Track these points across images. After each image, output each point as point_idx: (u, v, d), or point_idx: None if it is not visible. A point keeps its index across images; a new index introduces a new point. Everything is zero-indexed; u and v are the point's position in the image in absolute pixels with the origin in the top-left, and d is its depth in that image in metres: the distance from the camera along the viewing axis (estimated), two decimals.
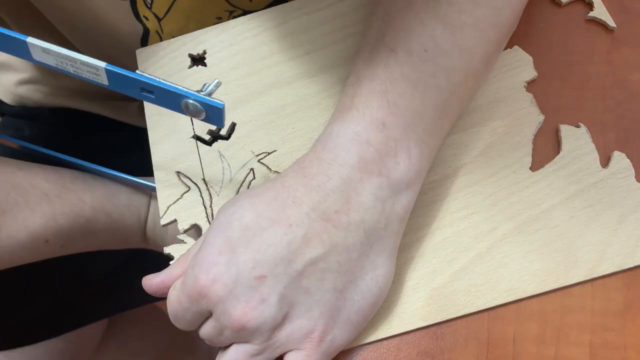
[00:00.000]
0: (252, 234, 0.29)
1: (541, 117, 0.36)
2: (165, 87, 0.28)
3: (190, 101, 0.28)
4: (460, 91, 0.32)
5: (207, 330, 0.31)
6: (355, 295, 0.30)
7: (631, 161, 0.34)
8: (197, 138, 0.37)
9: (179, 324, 0.31)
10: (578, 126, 0.35)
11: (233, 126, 0.38)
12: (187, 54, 0.40)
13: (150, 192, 0.47)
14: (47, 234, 0.41)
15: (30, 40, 0.28)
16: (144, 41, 0.44)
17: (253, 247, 0.29)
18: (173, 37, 0.41)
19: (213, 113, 0.29)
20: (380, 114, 0.30)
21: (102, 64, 0.28)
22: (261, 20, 0.40)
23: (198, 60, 0.40)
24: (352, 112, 0.31)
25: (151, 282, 0.33)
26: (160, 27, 0.43)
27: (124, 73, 0.28)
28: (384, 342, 0.32)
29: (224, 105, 0.28)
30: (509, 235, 0.33)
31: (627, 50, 0.38)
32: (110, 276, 0.53)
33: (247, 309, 0.29)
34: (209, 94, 0.29)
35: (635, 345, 0.31)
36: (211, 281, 0.29)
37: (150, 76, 0.28)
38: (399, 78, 0.31)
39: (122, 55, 0.43)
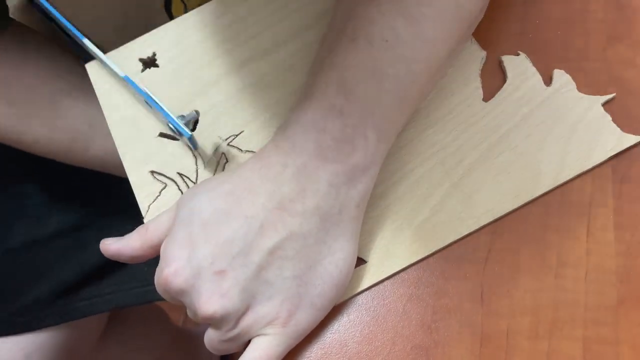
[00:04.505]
0: (210, 229, 0.30)
1: (483, 53, 0.38)
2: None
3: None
4: (421, 81, 0.33)
5: (187, 312, 0.32)
6: (315, 280, 0.30)
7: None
8: (164, 135, 0.38)
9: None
10: (518, 54, 0.38)
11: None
12: (137, 59, 0.40)
13: None
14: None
15: None
16: (167, 7, 0.46)
17: (212, 241, 0.30)
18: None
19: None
20: (337, 101, 0.31)
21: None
22: (202, 15, 0.41)
23: (149, 63, 0.40)
24: (310, 100, 0.32)
25: (109, 247, 0.33)
26: None
27: None
28: (379, 335, 0.32)
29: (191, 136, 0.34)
30: (475, 163, 0.35)
31: (622, 47, 0.37)
32: (111, 265, 0.53)
33: (209, 303, 0.29)
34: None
35: (628, 340, 0.31)
36: (173, 276, 0.30)
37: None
38: (357, 66, 0.31)
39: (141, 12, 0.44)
